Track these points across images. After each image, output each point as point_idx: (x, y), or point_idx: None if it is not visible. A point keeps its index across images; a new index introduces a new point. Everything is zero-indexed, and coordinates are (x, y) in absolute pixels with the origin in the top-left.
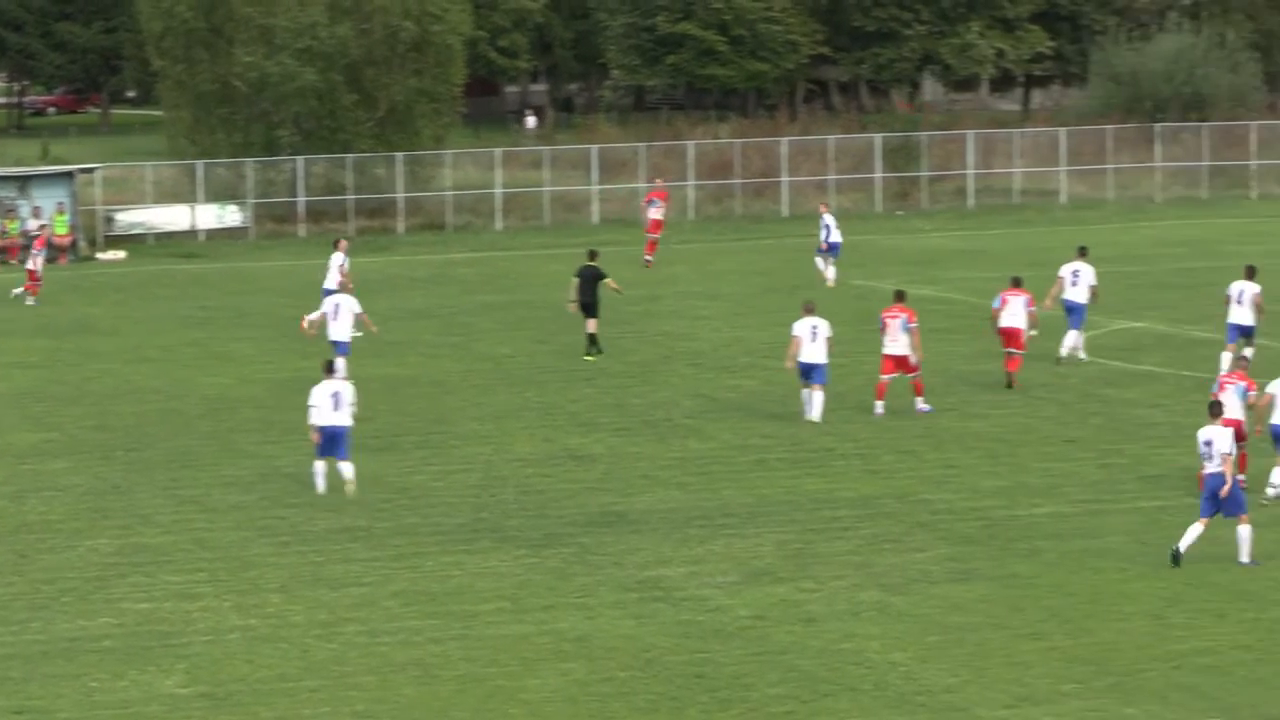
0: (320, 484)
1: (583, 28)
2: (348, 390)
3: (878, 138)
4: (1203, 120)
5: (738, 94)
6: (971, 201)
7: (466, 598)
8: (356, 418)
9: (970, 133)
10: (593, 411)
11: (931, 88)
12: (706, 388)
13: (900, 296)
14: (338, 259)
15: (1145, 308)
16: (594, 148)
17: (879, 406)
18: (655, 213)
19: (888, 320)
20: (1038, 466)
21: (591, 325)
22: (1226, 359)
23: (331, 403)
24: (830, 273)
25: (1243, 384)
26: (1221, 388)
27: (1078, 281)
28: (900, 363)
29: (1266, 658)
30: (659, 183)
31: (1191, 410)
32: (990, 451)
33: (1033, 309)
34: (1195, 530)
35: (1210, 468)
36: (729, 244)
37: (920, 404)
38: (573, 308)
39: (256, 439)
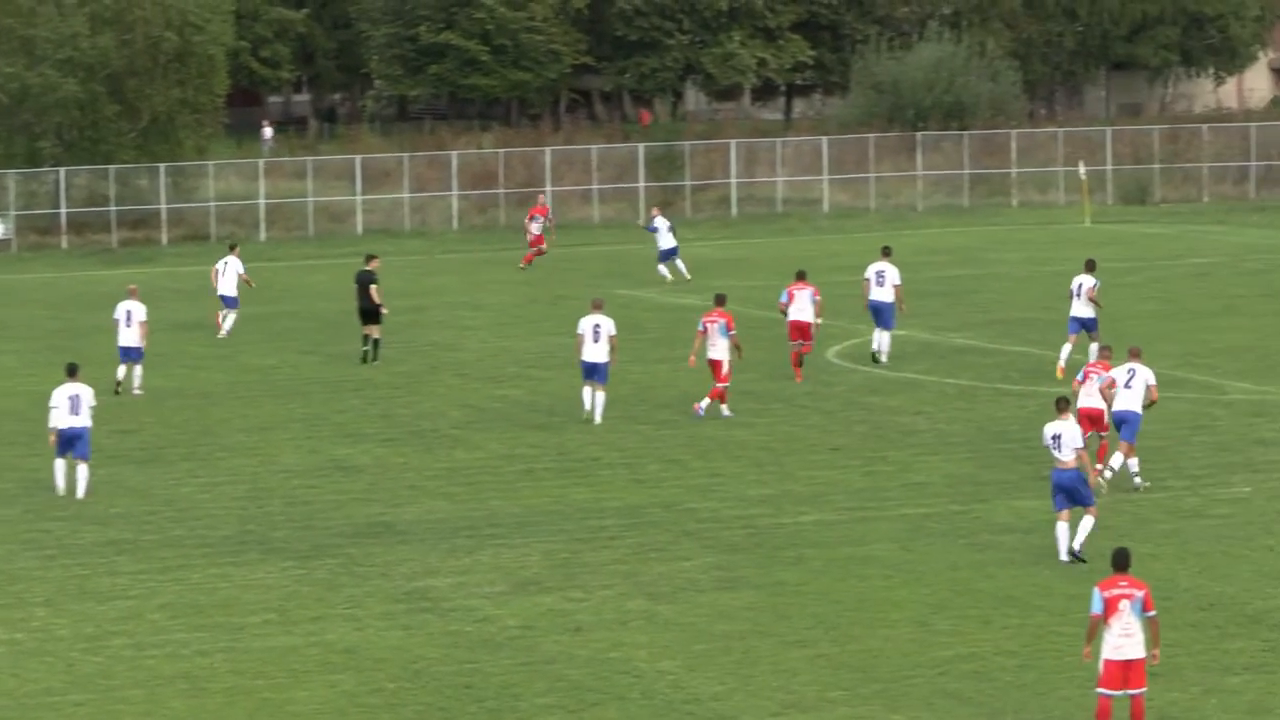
0: (60, 482)
1: (345, 38)
2: (87, 393)
3: (641, 147)
4: (963, 129)
5: (501, 104)
6: (735, 210)
7: (234, 610)
8: (121, 430)
9: (733, 142)
10: (359, 422)
11: (694, 97)
12: (473, 398)
13: (720, 301)
14: (235, 264)
15: (908, 316)
16: (357, 158)
17: (704, 410)
18: (535, 228)
19: (708, 324)
20: (803, 474)
21: (373, 331)
22: (1066, 351)
23: (69, 405)
24: (668, 271)
25: (1106, 374)
26: (1086, 376)
27: (883, 282)
28: (716, 366)
29: (1030, 663)
30: (540, 199)
31: (955, 418)
32: (756, 460)
33: (819, 300)
34: (1063, 528)
35: (1061, 461)
36: (494, 254)
37: (724, 410)
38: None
39: (20, 452)
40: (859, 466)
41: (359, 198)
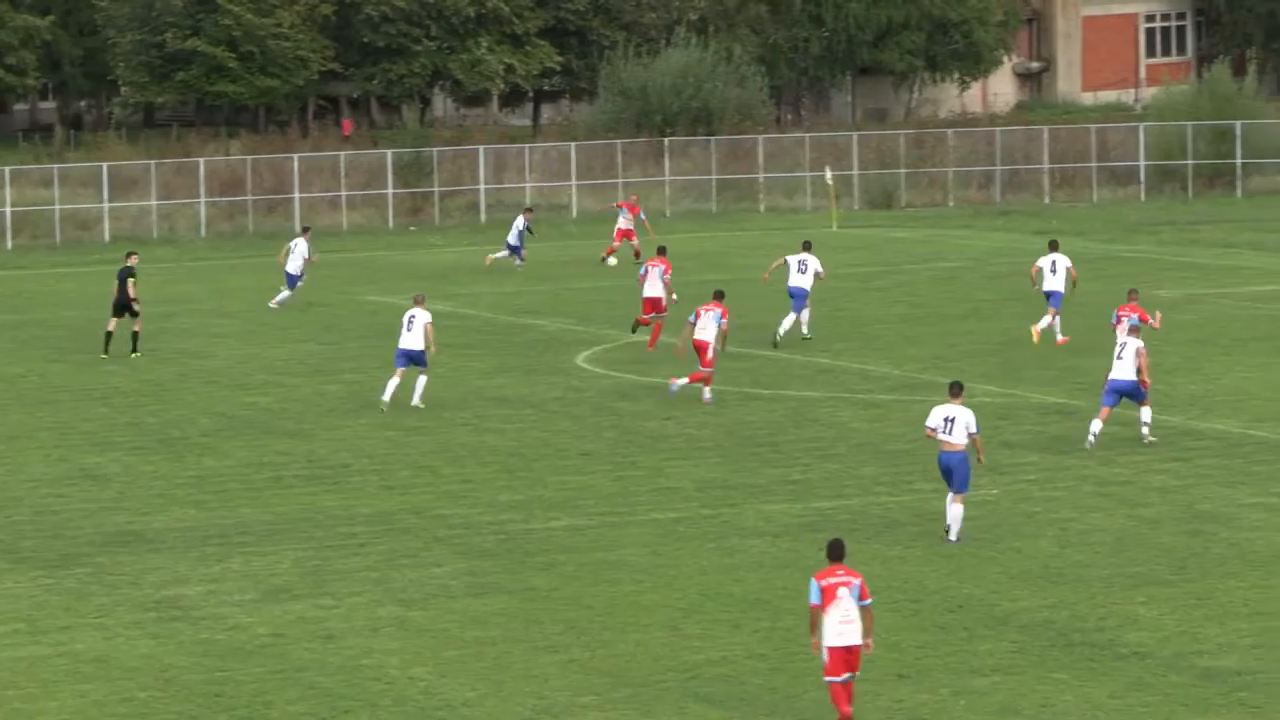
0: None
1: (92, 44)
2: None
3: (389, 153)
4: (711, 134)
5: (249, 110)
6: (484, 216)
7: None
8: None
9: (481, 148)
10: (107, 430)
11: (442, 103)
12: (222, 405)
13: (719, 295)
14: (303, 245)
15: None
16: (104, 165)
17: (707, 393)
18: (623, 222)
19: (702, 311)
20: (554, 480)
21: (132, 324)
22: (1045, 322)
23: None
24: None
25: (1135, 315)
26: (1119, 320)
27: (805, 270)
28: (702, 348)
29: (781, 666)
30: (634, 198)
31: (705, 423)
32: (506, 465)
33: (668, 278)
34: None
35: (949, 444)
36: (242, 261)
37: (706, 393)
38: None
39: None
40: (609, 471)
41: (106, 205)
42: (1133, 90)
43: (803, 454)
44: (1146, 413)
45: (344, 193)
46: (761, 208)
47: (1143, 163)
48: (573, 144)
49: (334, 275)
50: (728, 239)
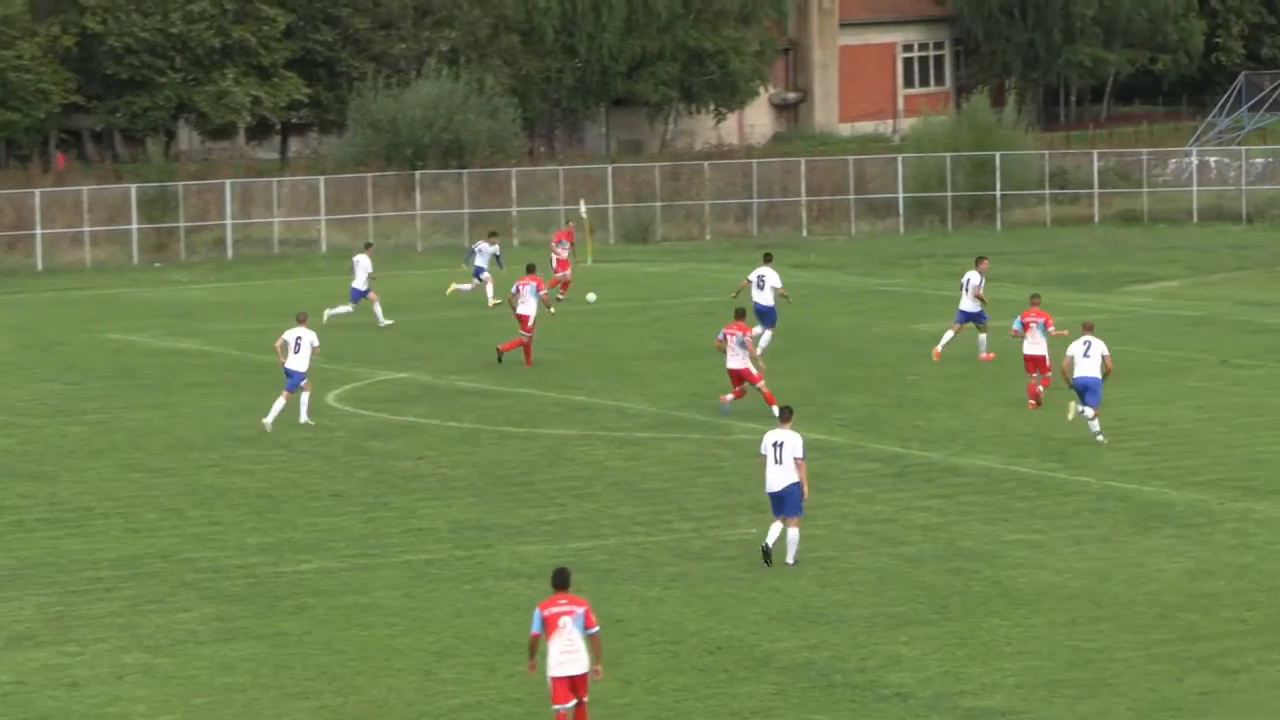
0: None
1: None
2: None
3: (133, 188)
4: (463, 167)
5: None
6: (230, 252)
7: None
8: None
9: (228, 182)
10: None
11: (188, 136)
12: None
13: (740, 315)
14: (366, 262)
15: (409, 358)
16: None
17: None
18: (562, 252)
19: (729, 335)
20: (304, 521)
21: None
22: (948, 337)
23: None
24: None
25: (1041, 320)
26: (1026, 327)
27: (763, 285)
28: (743, 375)
29: (536, 711)
30: (570, 225)
31: (459, 462)
32: (255, 508)
33: (544, 293)
34: (777, 528)
35: (778, 470)
36: None
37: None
38: None
39: None
40: (361, 512)
41: None
42: (891, 121)
43: (558, 493)
44: (1091, 412)
45: (87, 228)
46: (515, 242)
47: (901, 195)
48: (321, 178)
49: (76, 313)
50: None
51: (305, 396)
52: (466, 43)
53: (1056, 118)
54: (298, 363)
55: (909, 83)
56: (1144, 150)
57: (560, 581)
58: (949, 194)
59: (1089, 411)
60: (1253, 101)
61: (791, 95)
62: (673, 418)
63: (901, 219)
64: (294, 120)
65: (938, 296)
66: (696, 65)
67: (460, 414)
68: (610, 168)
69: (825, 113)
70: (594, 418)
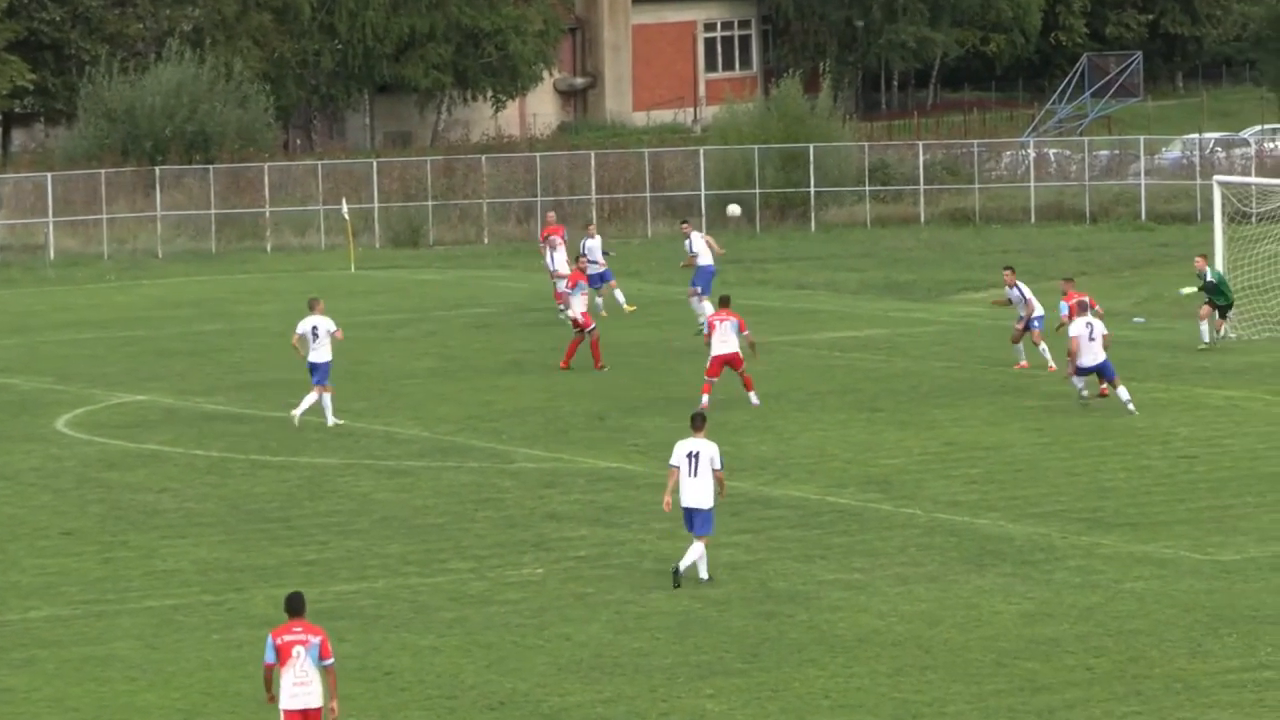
0: None
1: None
2: None
3: None
4: (209, 162)
5: None
6: None
7: None
8: None
9: None
10: None
11: None
12: None
13: (726, 301)
14: (591, 243)
15: (148, 379)
16: None
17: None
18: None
19: (717, 322)
20: (32, 563)
21: None
22: None
23: None
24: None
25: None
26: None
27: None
28: (731, 360)
29: None
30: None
31: (206, 494)
32: None
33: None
34: (697, 548)
35: (694, 483)
36: None
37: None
38: None
39: None
40: (96, 553)
41: None
42: (691, 109)
43: (319, 530)
44: (1123, 391)
45: None
46: (268, 246)
47: (703, 192)
48: (49, 175)
49: None
50: (230, 283)
51: (328, 397)
52: (212, 22)
53: (878, 105)
54: (319, 354)
55: (711, 66)
56: (975, 142)
57: (294, 607)
58: (757, 191)
59: (1115, 389)
60: (1096, 86)
61: (579, 80)
62: (448, 444)
63: (704, 218)
64: (17, 110)
65: (743, 306)
66: (472, 47)
67: (208, 441)
68: (375, 162)
69: (618, 100)
70: (359, 444)
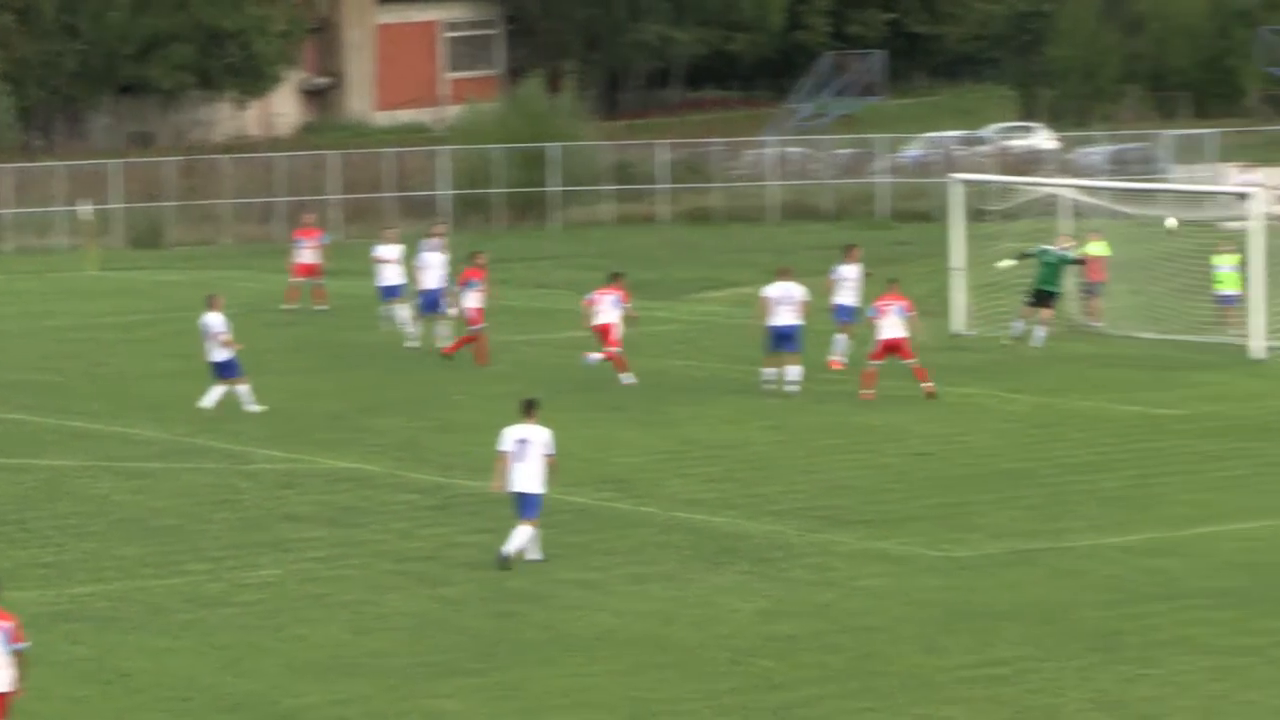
0: None
1: None
2: None
3: None
4: None
5: None
6: None
7: None
8: None
9: None
10: None
11: None
12: None
13: (615, 277)
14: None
15: None
16: None
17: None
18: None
19: (600, 297)
20: None
21: None
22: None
23: None
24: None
25: (901, 304)
26: (880, 312)
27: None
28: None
29: None
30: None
31: None
32: None
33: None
34: (524, 533)
35: (523, 469)
36: None
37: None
38: None
39: None
40: None
41: None
42: (434, 109)
43: (55, 532)
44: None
45: None
46: (9, 248)
47: (446, 192)
48: None
49: None
50: None
51: (242, 389)
52: None
53: (620, 105)
54: (218, 353)
55: (454, 66)
56: (717, 141)
57: None
58: (499, 190)
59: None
60: (838, 85)
61: (322, 80)
62: (186, 445)
63: (448, 219)
64: None
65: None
66: (215, 47)
67: None
68: (118, 163)
69: (360, 100)
70: (97, 446)
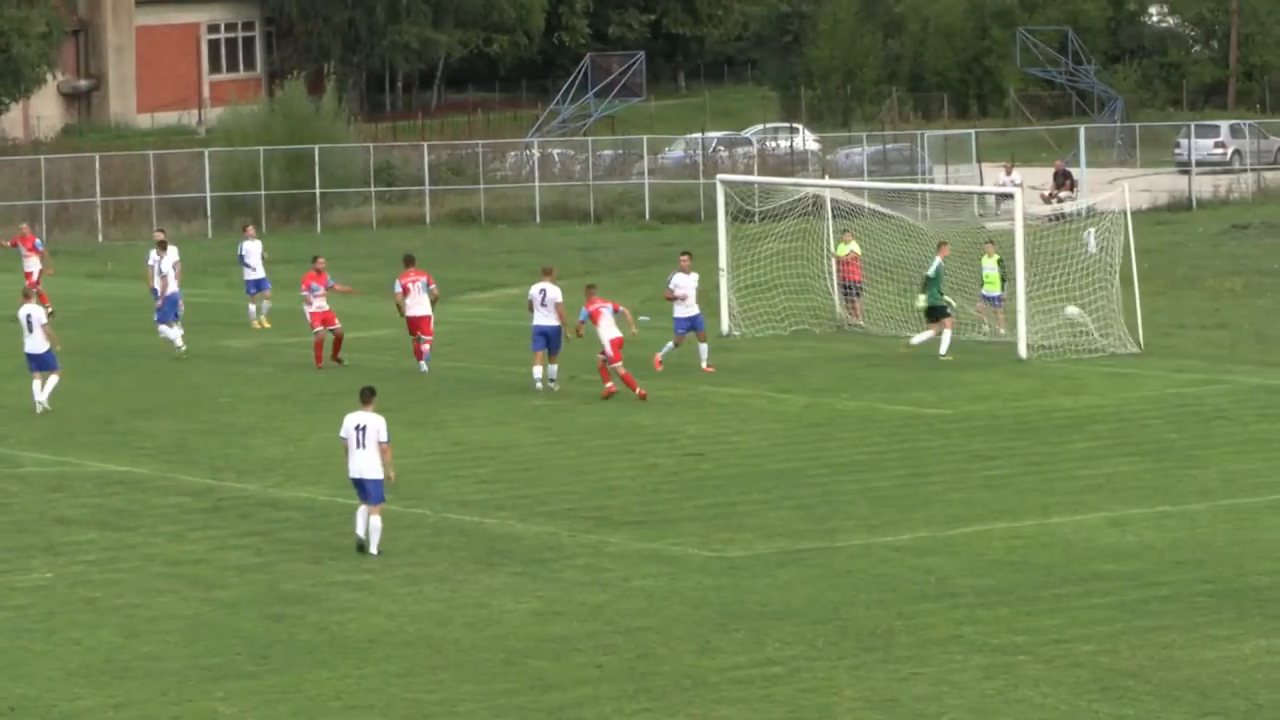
0: None
1: None
2: None
3: None
4: None
5: None
6: None
7: None
8: None
9: None
10: None
11: None
12: None
13: (411, 261)
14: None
15: None
16: None
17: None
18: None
19: (408, 284)
20: None
21: None
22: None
23: None
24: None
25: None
26: (595, 316)
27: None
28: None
29: None
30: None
31: None
32: None
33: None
34: (362, 512)
35: (361, 455)
36: None
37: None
38: None
39: None
40: None
41: None
42: (196, 111)
43: None
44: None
45: None
46: None
47: (209, 194)
48: None
49: None
50: None
51: (53, 380)
52: None
53: (383, 106)
54: (34, 344)
55: (215, 68)
56: (480, 142)
57: None
58: (263, 193)
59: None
60: (600, 86)
61: (83, 83)
62: None
63: (209, 221)
64: None
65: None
66: None
67: None
68: None
69: (122, 102)
70: None
